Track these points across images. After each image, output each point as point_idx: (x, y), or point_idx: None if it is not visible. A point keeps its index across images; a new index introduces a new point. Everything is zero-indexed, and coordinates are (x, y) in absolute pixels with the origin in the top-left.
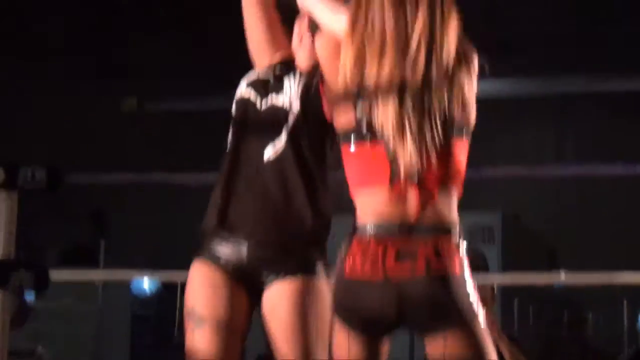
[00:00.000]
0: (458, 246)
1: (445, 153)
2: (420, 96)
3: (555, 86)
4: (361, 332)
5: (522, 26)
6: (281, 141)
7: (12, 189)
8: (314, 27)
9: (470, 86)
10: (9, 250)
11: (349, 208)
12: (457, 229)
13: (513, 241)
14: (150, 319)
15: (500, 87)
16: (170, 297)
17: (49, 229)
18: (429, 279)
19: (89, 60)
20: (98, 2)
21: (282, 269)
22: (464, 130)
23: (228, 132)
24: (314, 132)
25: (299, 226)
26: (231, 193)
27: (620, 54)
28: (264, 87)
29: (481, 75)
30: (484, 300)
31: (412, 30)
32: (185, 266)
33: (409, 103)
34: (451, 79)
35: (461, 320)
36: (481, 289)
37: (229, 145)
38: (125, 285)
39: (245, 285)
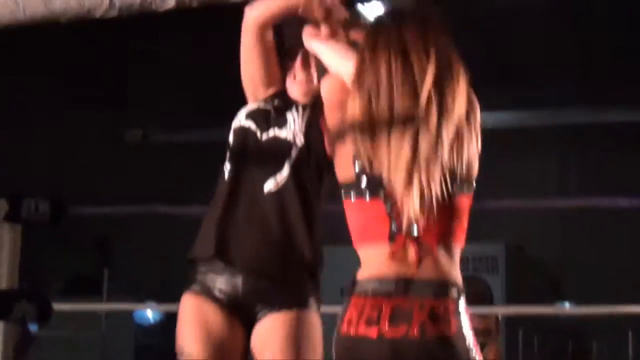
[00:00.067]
0: (457, 305)
1: (449, 210)
2: (429, 152)
3: (559, 118)
4: None
5: (525, 58)
6: (283, 174)
7: (15, 221)
8: (321, 69)
9: (474, 140)
10: (12, 281)
11: (342, 239)
12: (456, 287)
13: (517, 272)
14: (153, 348)
15: (504, 118)
16: (174, 326)
17: (53, 259)
18: (424, 341)
19: (93, 92)
20: (103, 35)
21: (277, 302)
22: (468, 185)
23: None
24: (315, 166)
25: (297, 259)
26: (229, 223)
27: (624, 86)
28: (264, 117)
29: (485, 107)
30: (488, 331)
31: (421, 87)
32: None
33: (419, 159)
34: (458, 136)
35: None
36: (486, 320)
37: (226, 174)
38: (129, 314)
39: (239, 317)
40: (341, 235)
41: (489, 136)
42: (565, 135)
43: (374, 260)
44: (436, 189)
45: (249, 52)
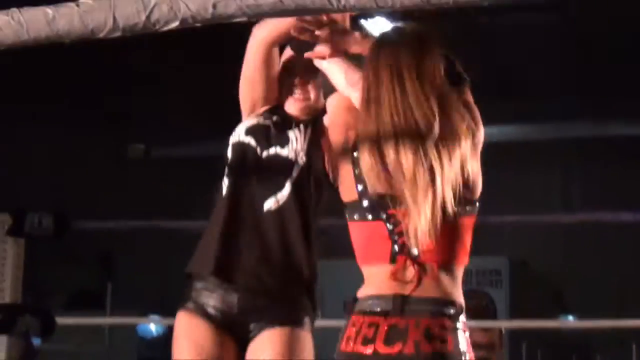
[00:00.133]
0: (455, 323)
1: (452, 230)
2: (433, 174)
3: (563, 132)
4: None
5: (528, 72)
6: (284, 192)
7: (19, 235)
8: (327, 87)
9: (476, 161)
10: (16, 295)
11: (345, 253)
12: (454, 305)
13: (520, 285)
14: None
15: (507, 132)
16: None
17: (56, 273)
18: (418, 358)
19: (96, 109)
20: (105, 53)
21: (272, 319)
22: (472, 206)
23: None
24: (315, 185)
25: (295, 277)
26: (229, 241)
27: (628, 100)
28: (264, 134)
29: (488, 121)
30: (492, 345)
31: (418, 108)
32: None
33: (422, 179)
34: (460, 158)
35: None
36: (489, 334)
37: (225, 190)
38: (132, 328)
39: (233, 334)
40: (343, 250)
41: (492, 150)
42: (569, 149)
43: (374, 280)
44: (440, 214)
45: (253, 70)
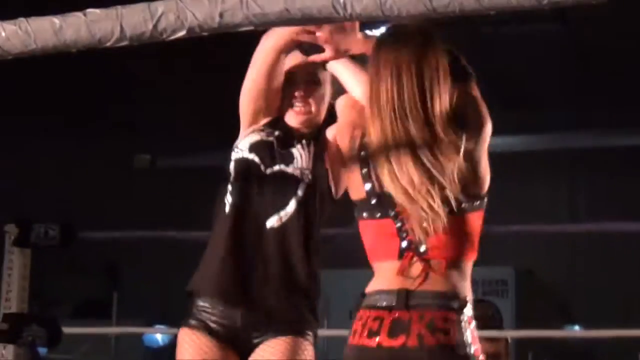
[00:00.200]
0: (459, 316)
1: (459, 226)
2: (432, 171)
3: (569, 142)
4: None
5: (533, 83)
6: (288, 210)
7: (25, 246)
8: (337, 89)
9: (483, 155)
10: (22, 305)
11: (351, 263)
12: (459, 299)
13: (526, 295)
14: None
15: (513, 142)
16: None
17: (62, 283)
18: (422, 349)
19: (102, 118)
20: (111, 62)
21: (275, 331)
22: (479, 202)
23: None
24: (319, 201)
25: (298, 293)
26: (231, 260)
27: (634, 111)
28: (268, 150)
29: (494, 131)
30: (498, 355)
31: (417, 108)
32: None
33: (422, 177)
34: (465, 153)
35: None
36: (495, 344)
37: (228, 207)
38: (138, 338)
39: (236, 349)
40: (348, 259)
41: (498, 160)
42: (575, 159)
43: (383, 275)
44: (442, 210)
45: (259, 78)
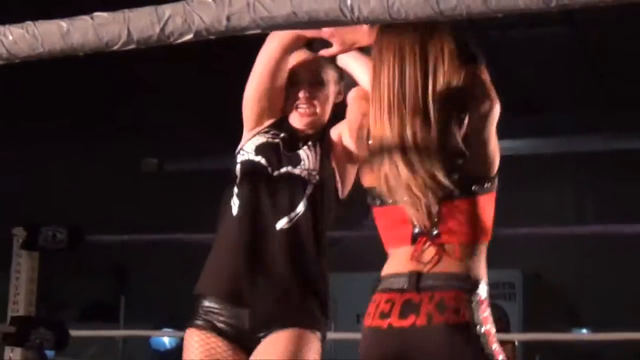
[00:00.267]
0: (471, 296)
1: (470, 209)
2: (429, 157)
3: (576, 145)
4: None
5: (540, 86)
6: (297, 211)
7: (33, 249)
8: (348, 82)
9: (491, 136)
10: (29, 308)
11: (359, 266)
12: (471, 279)
13: (534, 298)
14: None
15: (520, 145)
16: None
17: (70, 286)
18: (431, 328)
19: (110, 121)
20: (117, 66)
21: (281, 325)
22: (489, 184)
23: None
24: (327, 201)
25: (309, 292)
26: (240, 262)
27: None
28: (275, 152)
29: (501, 134)
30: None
31: (417, 95)
32: None
33: (408, 165)
34: (472, 134)
35: None
36: (502, 347)
37: (235, 209)
38: (145, 340)
39: (244, 348)
40: (356, 263)
41: (505, 163)
42: (582, 162)
43: (396, 260)
44: (444, 194)
45: (264, 78)
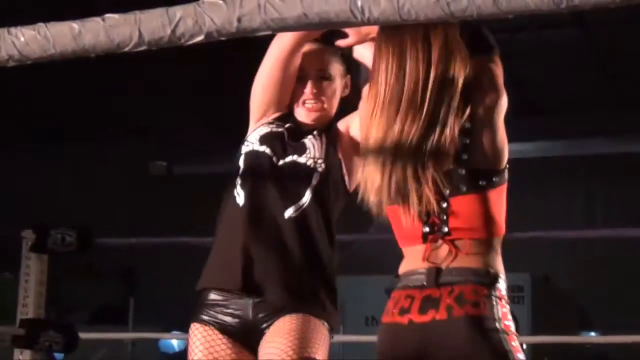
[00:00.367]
0: (490, 290)
1: (480, 204)
2: (431, 153)
3: (585, 148)
4: None
5: (550, 89)
6: (304, 200)
7: (42, 252)
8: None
9: (498, 128)
10: (39, 311)
11: (368, 269)
12: (489, 274)
13: (543, 301)
14: None
15: (530, 149)
16: None
17: (79, 289)
18: (450, 321)
19: (119, 125)
20: (126, 68)
21: (290, 311)
22: (498, 178)
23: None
24: (334, 190)
25: (320, 281)
26: (250, 253)
27: None
28: (279, 141)
29: (511, 138)
30: None
31: (416, 90)
32: None
33: (417, 162)
34: (478, 126)
35: (490, 357)
36: None
37: (240, 199)
38: (154, 343)
39: (249, 343)
40: (364, 266)
41: (515, 166)
42: (591, 165)
43: (412, 258)
44: (445, 191)
45: (275, 67)
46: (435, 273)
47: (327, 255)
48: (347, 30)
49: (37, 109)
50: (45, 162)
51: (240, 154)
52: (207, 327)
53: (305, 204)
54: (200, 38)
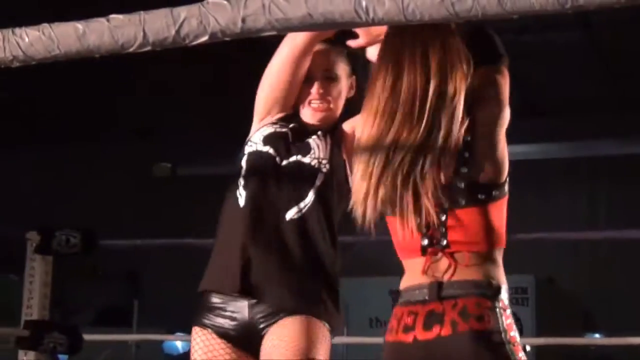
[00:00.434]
0: (493, 303)
1: (479, 216)
2: (428, 166)
3: (589, 150)
4: None
5: (554, 90)
6: (307, 200)
7: (47, 253)
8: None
9: (499, 141)
10: (43, 312)
11: (371, 271)
12: (492, 286)
13: (547, 303)
14: None
15: (533, 150)
16: None
17: (84, 290)
18: (455, 336)
19: (123, 125)
20: (131, 69)
21: (290, 313)
22: (498, 192)
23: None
24: (337, 192)
25: (322, 283)
26: (250, 254)
27: None
28: (283, 141)
29: (514, 139)
30: None
31: (413, 102)
32: None
33: (414, 173)
34: (480, 137)
35: None
36: None
37: (242, 200)
38: (158, 345)
39: (249, 347)
40: (368, 267)
41: (519, 168)
42: (595, 167)
43: (412, 271)
44: (432, 203)
45: (284, 66)
46: (437, 287)
47: (329, 257)
48: (358, 30)
49: (41, 109)
50: (49, 163)
51: (244, 155)
52: (206, 332)
53: (309, 205)
54: (204, 38)
